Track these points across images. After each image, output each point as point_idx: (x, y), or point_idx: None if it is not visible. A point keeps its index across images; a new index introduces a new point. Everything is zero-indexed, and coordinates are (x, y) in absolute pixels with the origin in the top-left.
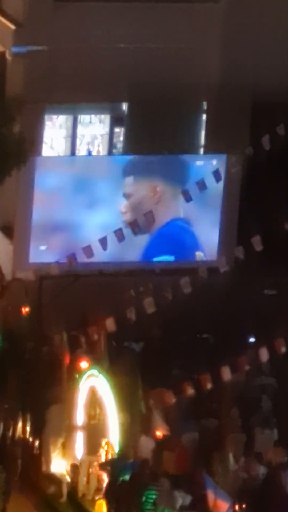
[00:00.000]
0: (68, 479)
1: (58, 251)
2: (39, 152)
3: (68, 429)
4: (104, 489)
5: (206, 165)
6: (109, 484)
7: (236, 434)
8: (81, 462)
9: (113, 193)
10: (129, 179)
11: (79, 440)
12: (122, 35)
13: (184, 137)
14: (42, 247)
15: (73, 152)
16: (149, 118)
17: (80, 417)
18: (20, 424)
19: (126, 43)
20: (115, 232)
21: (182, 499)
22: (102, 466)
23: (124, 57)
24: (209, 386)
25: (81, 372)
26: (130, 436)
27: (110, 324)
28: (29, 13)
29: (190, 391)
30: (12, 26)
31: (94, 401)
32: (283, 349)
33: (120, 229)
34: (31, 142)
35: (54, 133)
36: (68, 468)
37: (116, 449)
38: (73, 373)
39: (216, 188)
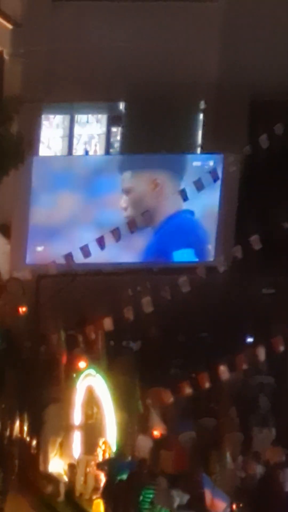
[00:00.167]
0: (66, 478)
1: (55, 251)
2: (36, 151)
3: (66, 429)
4: (101, 489)
5: (204, 165)
6: (106, 483)
7: (234, 433)
8: (78, 461)
9: (111, 192)
10: (127, 174)
11: (77, 440)
12: (120, 35)
13: (182, 137)
14: (39, 248)
15: (70, 152)
16: (146, 117)
17: (77, 416)
18: (17, 424)
19: (123, 42)
20: (112, 231)
21: (179, 498)
22: (100, 466)
23: (121, 57)
24: (207, 385)
25: (79, 372)
26: (127, 435)
27: (107, 323)
28: (27, 12)
29: (188, 390)
30: (10, 26)
31: (91, 400)
32: (281, 348)
33: (117, 229)
34: (28, 142)
35: (51, 132)
36: (66, 467)
37: (114, 449)
38: (71, 372)
39: (214, 187)
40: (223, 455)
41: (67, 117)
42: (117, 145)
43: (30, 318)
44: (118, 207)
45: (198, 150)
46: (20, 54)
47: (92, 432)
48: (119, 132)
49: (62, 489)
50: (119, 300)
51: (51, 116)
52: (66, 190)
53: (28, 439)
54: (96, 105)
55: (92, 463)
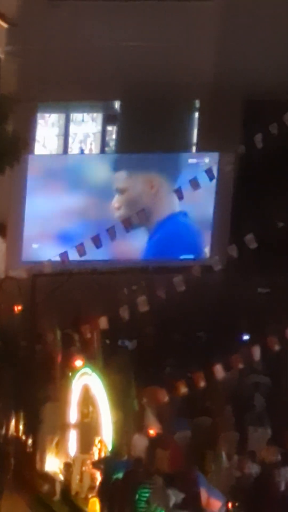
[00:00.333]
0: (62, 477)
1: (51, 250)
2: (31, 150)
3: (62, 427)
4: (97, 487)
5: (199, 164)
6: (102, 482)
7: (229, 433)
8: (74, 460)
9: (106, 191)
10: (121, 174)
11: (72, 438)
12: (115, 34)
13: (177, 136)
14: (35, 246)
15: (65, 151)
16: (141, 116)
17: (73, 415)
18: (13, 423)
19: (118, 41)
20: (107, 230)
21: (175, 497)
22: (95, 464)
23: (116, 56)
24: (202, 384)
25: (75, 370)
26: (123, 434)
27: (103, 322)
28: (23, 11)
29: (184, 389)
30: (5, 25)
31: (87, 399)
32: (277, 347)
33: (113, 227)
34: (24, 141)
35: (47, 131)
36: (62, 466)
37: (109, 447)
38: (67, 371)
39: (209, 186)
40: (218, 454)
41: (62, 116)
42: (112, 144)
43: (25, 317)
44: (112, 203)
45: (193, 149)
46: (16, 53)
47: (88, 431)
48: (114, 131)
49: (58, 488)
50: (114, 299)
51: (47, 115)
52: (62, 188)
53: (24, 438)
54: (92, 104)
55: (88, 461)
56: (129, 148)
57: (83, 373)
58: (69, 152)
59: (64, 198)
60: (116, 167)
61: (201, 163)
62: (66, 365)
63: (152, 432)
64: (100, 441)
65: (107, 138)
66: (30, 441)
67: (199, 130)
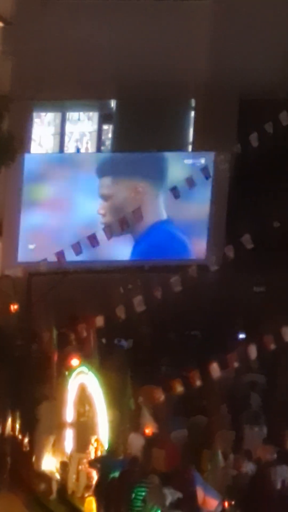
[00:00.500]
0: (58, 476)
1: (47, 249)
2: (27, 149)
3: (58, 427)
4: (93, 486)
5: (195, 163)
6: (98, 481)
7: (225, 431)
8: (70, 459)
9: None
10: (106, 180)
11: (69, 437)
12: (110, 33)
13: (173, 135)
14: (31, 246)
15: (61, 150)
16: (137, 115)
17: (69, 414)
18: (9, 422)
19: (114, 40)
20: (103, 229)
21: (171, 496)
22: (92, 464)
23: (112, 55)
24: (198, 383)
25: (71, 370)
26: (119, 433)
27: (99, 321)
28: (18, 10)
29: (179, 388)
30: (0, 24)
31: (83, 398)
32: (272, 346)
33: (109, 227)
34: (19, 140)
35: (43, 130)
36: (58, 465)
37: (106, 446)
38: (63, 370)
39: (205, 185)
40: (214, 453)
41: (58, 115)
42: (108, 143)
43: (21, 316)
44: (97, 210)
45: (189, 148)
46: (11, 52)
47: (84, 430)
48: (110, 130)
49: (54, 487)
50: (110, 298)
51: (43, 114)
52: (58, 187)
53: (20, 437)
54: (88, 103)
55: (84, 461)
56: (125, 147)
57: (79, 372)
58: (65, 151)
59: (60, 196)
60: (100, 171)
61: (197, 162)
62: (62, 364)
63: (148, 431)
64: (96, 440)
65: (103, 137)
66: (26, 440)
67: (194, 129)
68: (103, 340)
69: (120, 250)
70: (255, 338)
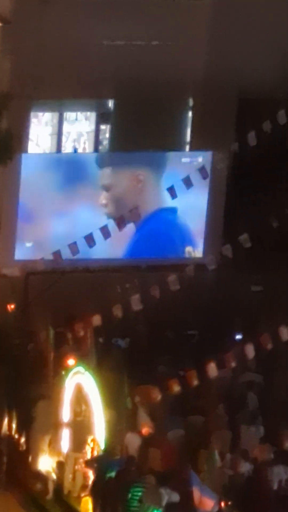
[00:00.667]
0: (54, 476)
1: (44, 248)
2: (25, 149)
3: (54, 426)
4: (89, 486)
5: (192, 162)
6: (94, 481)
7: (222, 431)
8: (66, 459)
9: (99, 189)
10: (107, 170)
11: (65, 437)
12: (108, 32)
13: (170, 134)
14: (28, 244)
15: (59, 149)
16: (135, 115)
17: (66, 414)
18: (5, 421)
19: (112, 40)
20: (100, 229)
21: (168, 496)
22: (88, 463)
23: (110, 54)
24: (195, 382)
25: (67, 369)
26: (116, 433)
27: (96, 320)
28: (16, 9)
29: (176, 387)
30: None
31: (80, 398)
32: (270, 346)
33: (106, 226)
34: (17, 139)
35: (40, 130)
36: (54, 465)
37: (102, 446)
38: (59, 370)
39: (202, 185)
40: (211, 453)
41: (56, 115)
42: (106, 142)
43: (18, 315)
44: (100, 200)
45: (187, 147)
46: (9, 51)
47: (80, 430)
48: (108, 130)
49: (50, 487)
50: (108, 297)
51: (40, 114)
52: (55, 187)
53: (16, 436)
54: (85, 103)
55: (81, 460)
56: (123, 147)
57: (76, 371)
58: (63, 151)
59: (57, 196)
60: (100, 162)
61: (195, 161)
62: (59, 364)
63: (145, 430)
64: (92, 440)
65: (100, 137)
66: (22, 439)
67: (192, 128)
68: (100, 340)
69: (118, 248)
70: (253, 338)
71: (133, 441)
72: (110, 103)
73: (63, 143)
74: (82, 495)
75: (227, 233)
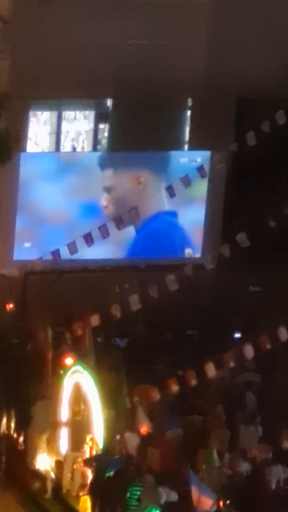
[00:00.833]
0: (53, 475)
1: (42, 248)
2: (23, 148)
3: (53, 425)
4: (88, 485)
5: (191, 162)
6: (93, 480)
7: (221, 431)
8: (65, 458)
9: (98, 188)
10: (109, 172)
11: (64, 436)
12: (107, 32)
13: (169, 134)
14: (27, 244)
15: (57, 149)
16: (134, 114)
17: (64, 413)
18: (4, 420)
19: (110, 39)
20: (99, 228)
21: (166, 495)
22: (87, 462)
23: (108, 54)
24: (194, 382)
25: (66, 368)
26: (114, 432)
27: (95, 320)
28: (15, 9)
29: (175, 387)
30: None
31: (78, 397)
32: (268, 346)
33: (105, 225)
34: (16, 138)
35: (39, 129)
36: (53, 464)
37: (101, 445)
38: (58, 369)
39: (201, 184)
40: (210, 452)
41: (54, 114)
42: (104, 141)
43: (17, 315)
44: (101, 202)
45: (186, 147)
46: (8, 50)
47: (79, 429)
48: (106, 129)
49: (49, 486)
50: (106, 297)
51: (39, 113)
52: (54, 186)
53: (15, 435)
54: (84, 102)
55: (79, 459)
56: (121, 146)
57: (75, 371)
58: (61, 150)
59: (56, 195)
60: (102, 164)
61: (193, 161)
62: (58, 363)
63: (143, 430)
64: (91, 439)
65: (99, 136)
66: (21, 439)
67: (191, 128)
68: (99, 339)
69: (117, 248)
70: (251, 338)
71: (131, 441)
72: (109, 102)
73: (61, 142)
74: (81, 494)
75: (226, 233)
